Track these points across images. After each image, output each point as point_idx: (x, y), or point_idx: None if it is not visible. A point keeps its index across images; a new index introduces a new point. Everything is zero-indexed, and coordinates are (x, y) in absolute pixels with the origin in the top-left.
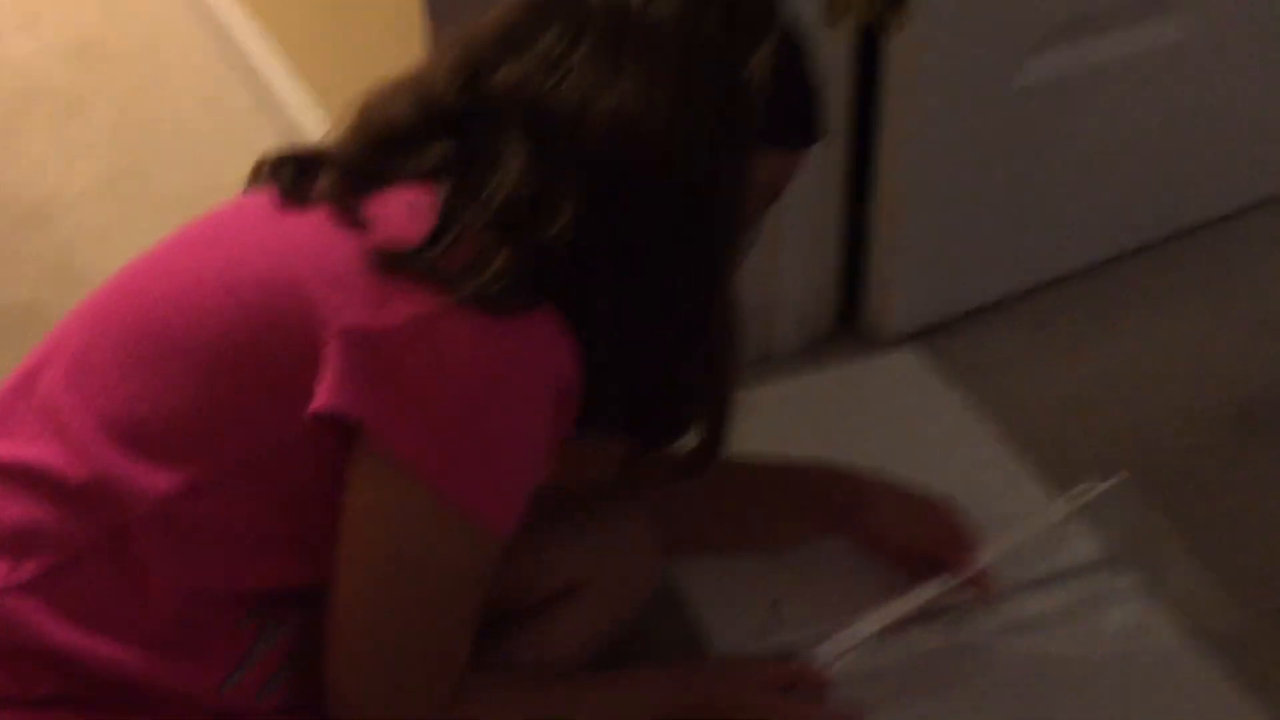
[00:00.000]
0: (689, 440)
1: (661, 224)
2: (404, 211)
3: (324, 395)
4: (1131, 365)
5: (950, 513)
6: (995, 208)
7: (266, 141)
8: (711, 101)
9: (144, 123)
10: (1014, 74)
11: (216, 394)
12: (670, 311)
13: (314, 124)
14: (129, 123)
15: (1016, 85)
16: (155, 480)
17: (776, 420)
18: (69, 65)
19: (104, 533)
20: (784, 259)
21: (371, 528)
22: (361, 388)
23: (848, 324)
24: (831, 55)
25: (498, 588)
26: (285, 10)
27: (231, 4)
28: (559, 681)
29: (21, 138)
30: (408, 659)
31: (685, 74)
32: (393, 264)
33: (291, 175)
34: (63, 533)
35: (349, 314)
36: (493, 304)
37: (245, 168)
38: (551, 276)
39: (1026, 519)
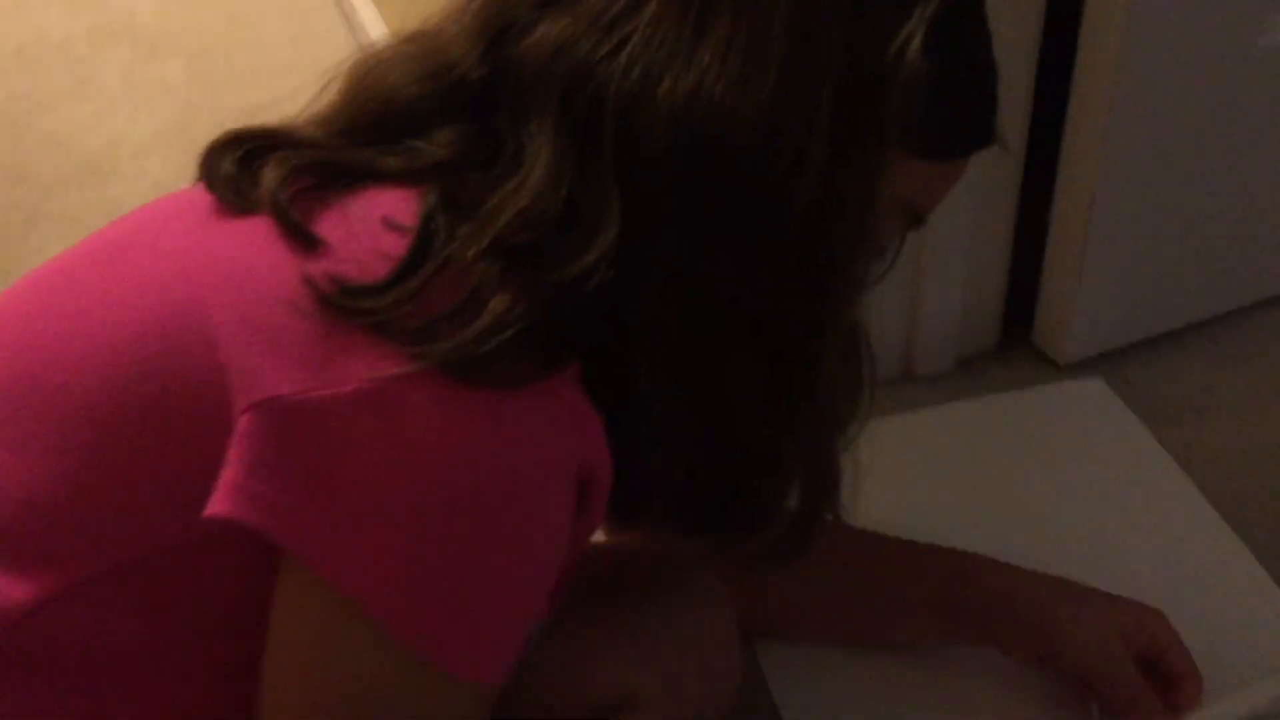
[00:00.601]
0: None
1: (750, 257)
2: (374, 229)
3: (224, 496)
4: None
5: (1162, 635)
6: (1212, 209)
7: None
8: (834, 85)
9: (225, 64)
10: (1242, 48)
11: (86, 476)
12: (755, 374)
13: None
14: (209, 64)
15: (1244, 61)
16: (8, 590)
17: (920, 457)
18: (153, 3)
19: None
20: (935, 256)
21: (306, 673)
22: (278, 487)
23: (1012, 343)
24: (1011, 27)
25: (521, 707)
26: None
27: None
28: None
29: (96, 77)
30: None
31: (798, 45)
32: (342, 306)
33: (231, 167)
34: None
35: (271, 377)
36: (481, 370)
37: None
38: (574, 331)
39: (1262, 683)
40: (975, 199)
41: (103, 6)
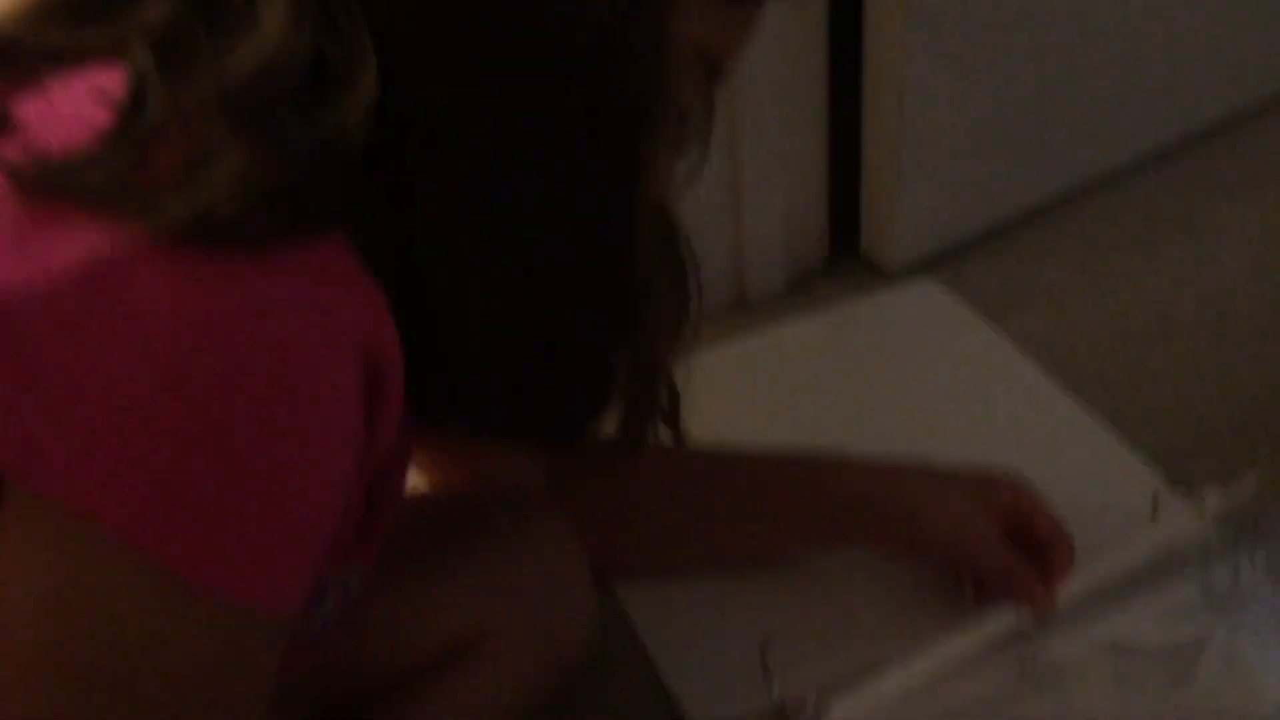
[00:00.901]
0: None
1: (532, 111)
2: (79, 103)
3: None
4: (1191, 282)
5: (1023, 498)
6: (1020, 97)
7: None
8: None
9: None
10: None
11: None
12: (554, 252)
13: None
14: None
15: None
16: None
17: (764, 379)
18: None
19: None
20: (752, 174)
21: (42, 629)
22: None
23: (840, 255)
24: None
25: (350, 655)
26: None
27: None
28: None
29: None
30: None
31: None
32: (43, 184)
33: None
34: None
35: None
36: (221, 235)
37: None
38: (335, 196)
39: (1130, 539)
40: (786, 114)
41: None
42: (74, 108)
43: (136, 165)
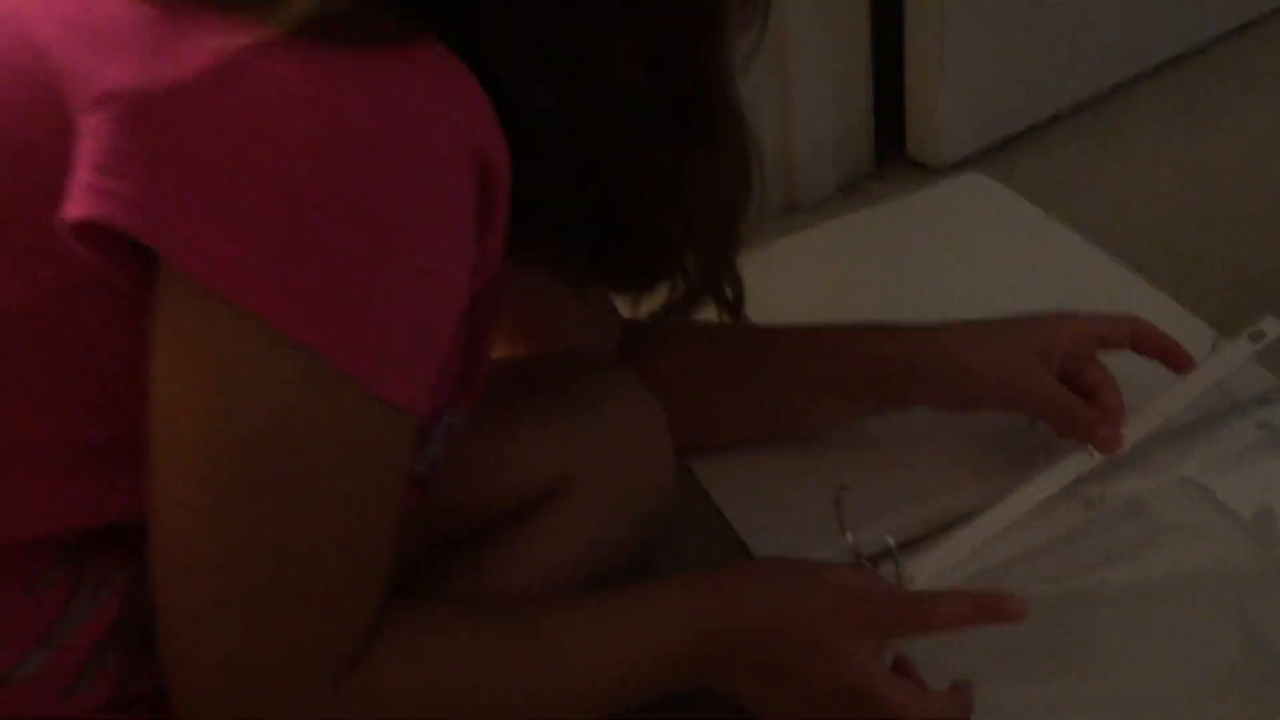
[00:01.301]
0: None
1: None
2: None
3: (78, 197)
4: (1235, 160)
5: (1066, 335)
6: (1049, 5)
7: None
8: None
9: None
10: None
11: None
12: (628, 72)
13: None
14: None
15: None
16: None
17: (819, 271)
18: None
19: None
20: (801, 80)
21: (198, 404)
22: (136, 181)
23: (888, 158)
24: None
25: (443, 500)
26: None
27: None
28: (530, 612)
29: None
30: (290, 600)
31: None
32: None
33: None
34: None
35: (114, 71)
36: (344, 28)
37: None
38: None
39: (1189, 377)
40: (830, 22)
41: None
42: None
43: None
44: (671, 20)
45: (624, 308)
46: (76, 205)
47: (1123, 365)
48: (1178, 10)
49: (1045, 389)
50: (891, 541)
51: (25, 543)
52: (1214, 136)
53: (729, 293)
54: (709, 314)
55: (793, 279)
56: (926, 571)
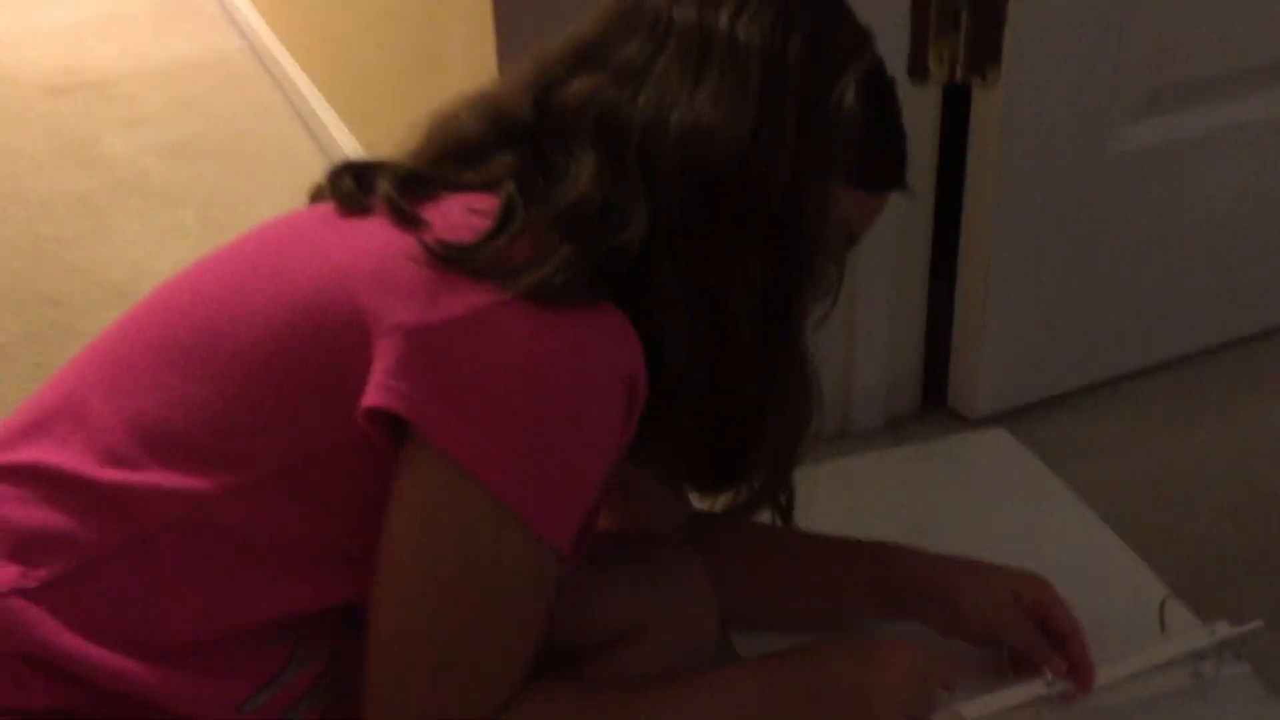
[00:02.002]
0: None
1: (739, 243)
2: (463, 212)
3: (373, 393)
4: (1224, 452)
5: (1047, 595)
6: (1087, 287)
7: None
8: (794, 122)
9: (236, 210)
10: (1111, 140)
11: (258, 397)
12: (739, 331)
13: None
14: (221, 211)
15: (1114, 152)
16: (187, 485)
17: (857, 494)
18: (166, 162)
19: (126, 539)
20: (864, 333)
21: (422, 531)
22: (413, 383)
23: (931, 405)
24: (917, 113)
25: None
26: (378, 113)
27: (327, 106)
28: (626, 688)
29: (115, 223)
30: (463, 671)
31: (768, 91)
32: (448, 259)
33: (350, 182)
34: (83, 538)
35: (402, 311)
36: (555, 295)
37: None
38: (617, 277)
39: (1145, 648)
40: (894, 283)
41: (116, 165)
42: (461, 215)
43: (502, 251)
44: (777, 305)
45: (696, 500)
46: (373, 396)
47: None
48: (1189, 313)
49: (1017, 622)
50: None
51: (267, 617)
52: (1207, 424)
53: (783, 500)
54: (764, 516)
55: (830, 499)
56: None
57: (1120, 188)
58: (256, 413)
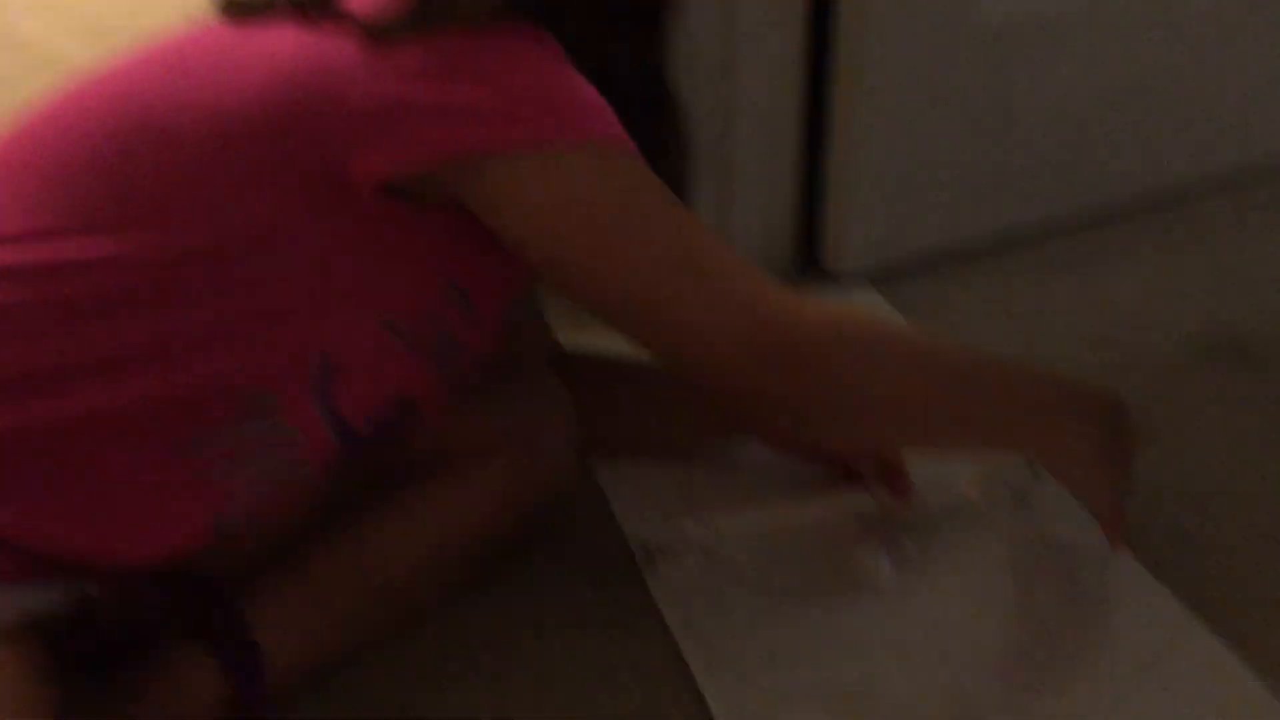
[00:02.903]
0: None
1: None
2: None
3: (414, 148)
4: (1092, 311)
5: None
6: (953, 151)
7: None
8: None
9: None
10: (980, 9)
11: (217, 174)
12: (631, 40)
13: None
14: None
15: (983, 21)
16: (163, 241)
17: None
18: (81, 42)
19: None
20: (737, 196)
21: (574, 219)
22: (450, 124)
23: (804, 266)
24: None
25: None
26: None
27: None
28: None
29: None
30: (712, 281)
31: None
32: (393, 30)
33: None
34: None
35: (380, 86)
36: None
37: None
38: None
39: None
40: (766, 142)
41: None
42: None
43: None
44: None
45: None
46: (413, 151)
47: None
48: (1059, 178)
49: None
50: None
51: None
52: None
53: None
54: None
55: None
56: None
57: (989, 58)
58: (226, 179)
